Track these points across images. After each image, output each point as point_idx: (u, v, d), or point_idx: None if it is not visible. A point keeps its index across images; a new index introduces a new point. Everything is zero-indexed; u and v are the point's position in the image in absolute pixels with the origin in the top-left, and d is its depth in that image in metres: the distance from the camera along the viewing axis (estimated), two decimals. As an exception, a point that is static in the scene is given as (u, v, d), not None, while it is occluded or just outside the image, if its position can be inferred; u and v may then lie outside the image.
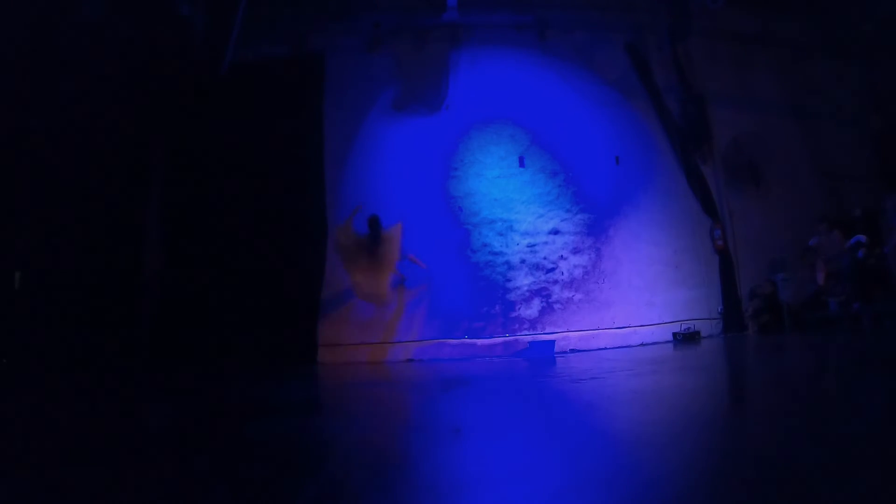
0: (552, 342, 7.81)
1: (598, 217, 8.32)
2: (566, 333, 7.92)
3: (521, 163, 8.37)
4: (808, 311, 7.61)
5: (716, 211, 8.42)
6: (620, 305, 8.12)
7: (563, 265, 8.15)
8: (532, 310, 8.00)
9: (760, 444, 2.01)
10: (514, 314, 7.96)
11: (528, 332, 7.90)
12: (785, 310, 7.73)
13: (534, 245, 8.16)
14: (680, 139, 8.54)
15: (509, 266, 8.09)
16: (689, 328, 7.91)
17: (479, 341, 7.77)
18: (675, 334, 7.89)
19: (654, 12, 8.67)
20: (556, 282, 8.09)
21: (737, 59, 8.85)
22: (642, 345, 7.79)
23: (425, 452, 2.33)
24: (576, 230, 8.25)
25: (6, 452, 2.48)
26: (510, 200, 8.27)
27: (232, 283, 7.49)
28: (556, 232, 8.22)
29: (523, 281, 8.04)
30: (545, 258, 8.15)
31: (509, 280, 8.04)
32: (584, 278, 8.13)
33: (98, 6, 6.28)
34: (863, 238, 7.10)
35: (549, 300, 8.04)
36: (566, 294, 8.07)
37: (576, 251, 8.20)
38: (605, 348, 7.77)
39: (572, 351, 7.75)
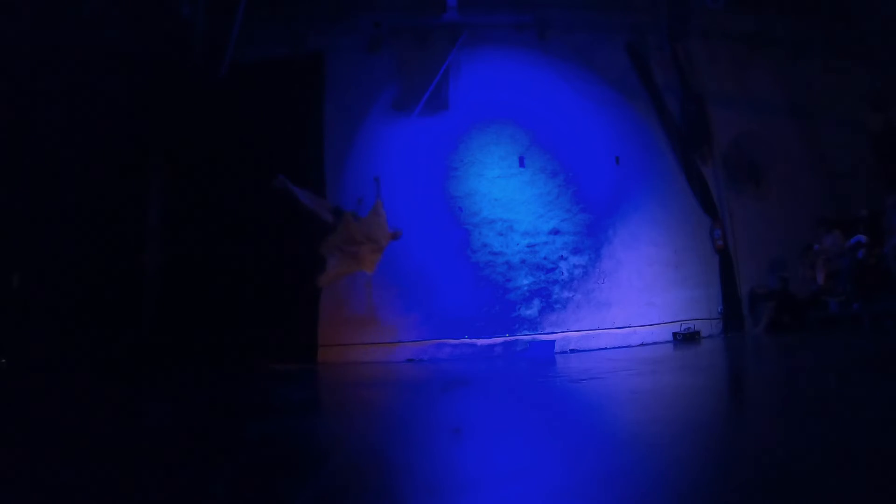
0: (552, 342, 7.81)
1: (598, 217, 8.32)
2: (566, 333, 7.91)
3: (521, 163, 8.37)
4: (809, 311, 7.62)
5: (716, 211, 8.41)
6: (620, 305, 8.11)
7: (563, 265, 8.14)
8: (532, 310, 8.00)
9: (760, 444, 2.01)
10: (514, 314, 7.95)
11: (528, 332, 7.90)
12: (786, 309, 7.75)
13: (534, 245, 8.16)
14: (680, 139, 8.53)
15: (509, 266, 8.08)
16: (689, 328, 7.91)
17: (479, 341, 7.77)
18: (675, 334, 7.89)
19: (654, 12, 8.65)
20: (556, 282, 8.09)
21: (736, 59, 8.85)
22: (642, 345, 7.79)
23: (425, 452, 2.33)
24: (576, 230, 8.25)
25: (6, 453, 2.48)
26: (510, 200, 8.26)
27: (232, 283, 7.49)
28: (556, 232, 8.22)
29: (523, 281, 8.04)
30: (545, 258, 8.15)
31: (509, 280, 8.04)
32: (584, 278, 8.12)
33: (98, 6, 6.28)
34: (863, 238, 7.10)
35: (549, 300, 8.03)
36: (566, 294, 8.07)
37: (576, 251, 8.20)
38: (605, 348, 7.77)
39: (572, 351, 7.75)
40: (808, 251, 7.77)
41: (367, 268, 6.80)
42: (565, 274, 8.13)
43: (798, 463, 1.72)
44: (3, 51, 6.04)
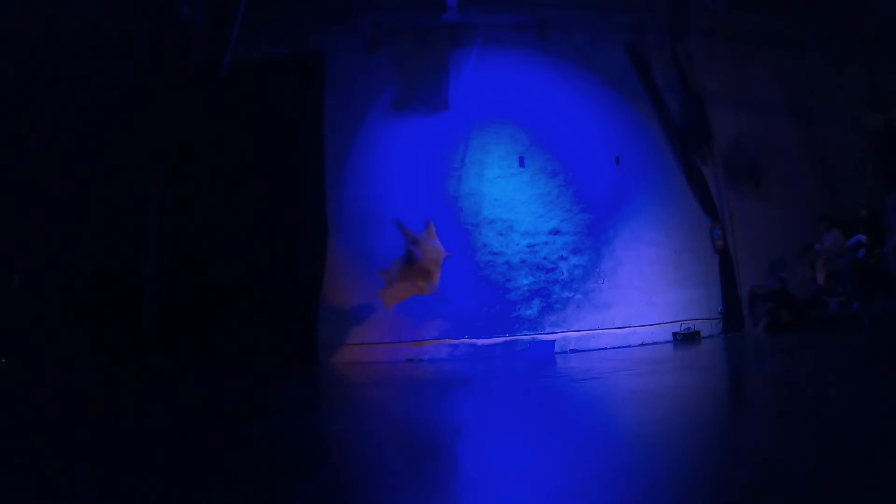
0: (552, 342, 7.81)
1: (598, 217, 8.32)
2: (566, 333, 7.91)
3: (522, 163, 8.37)
4: (809, 311, 7.62)
5: (716, 211, 8.41)
6: (620, 305, 8.12)
7: (563, 265, 8.14)
8: (532, 310, 8.00)
9: (760, 444, 2.01)
10: (514, 314, 7.95)
11: (528, 332, 7.90)
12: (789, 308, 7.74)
13: (534, 245, 8.16)
14: (680, 139, 8.53)
15: (509, 266, 8.08)
16: (689, 328, 7.91)
17: (480, 341, 7.77)
18: (675, 334, 7.89)
19: (654, 12, 8.66)
20: (556, 282, 8.09)
21: (737, 59, 8.85)
22: (642, 345, 7.79)
23: (424, 453, 2.34)
24: (576, 230, 8.25)
25: (6, 452, 2.48)
26: (510, 200, 8.26)
27: (232, 283, 7.48)
28: (556, 232, 8.22)
29: (523, 281, 8.04)
30: (545, 258, 8.15)
31: (509, 280, 8.04)
32: (584, 278, 8.12)
33: (98, 6, 6.28)
34: (863, 238, 7.10)
35: (549, 300, 8.03)
36: (566, 294, 8.07)
37: (576, 251, 8.20)
38: (605, 348, 7.77)
39: (572, 351, 7.75)
40: (808, 251, 7.77)
41: (428, 291, 6.99)
42: (565, 274, 8.13)
43: (798, 463, 1.72)
44: (3, 51, 6.04)
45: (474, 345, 7.74)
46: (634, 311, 8.10)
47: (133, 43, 6.85)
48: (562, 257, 8.16)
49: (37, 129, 6.58)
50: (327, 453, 2.42)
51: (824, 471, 1.62)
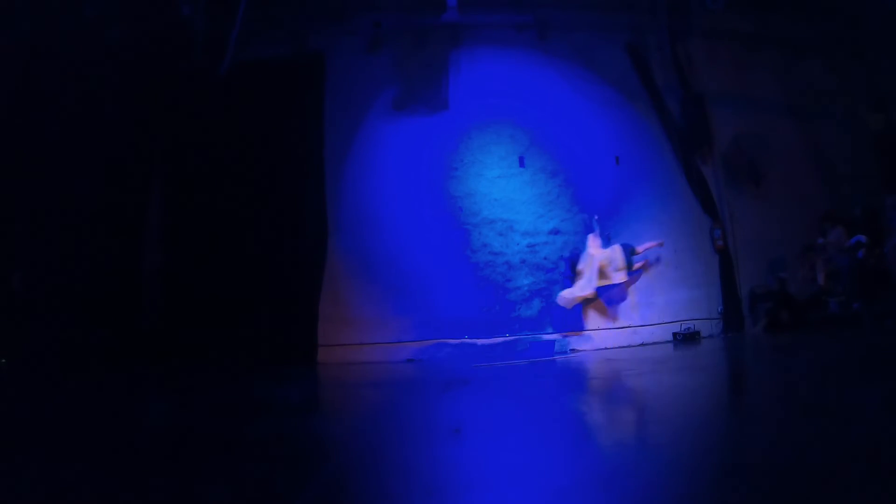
0: (552, 342, 7.81)
1: (598, 217, 8.31)
2: (566, 334, 7.91)
3: (522, 163, 8.37)
4: (809, 311, 7.62)
5: (716, 211, 8.40)
6: (620, 305, 8.11)
7: (563, 265, 8.14)
8: (532, 310, 8.00)
9: (760, 444, 2.01)
10: (514, 314, 7.96)
11: (528, 333, 7.90)
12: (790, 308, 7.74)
13: (534, 245, 8.16)
14: (680, 139, 8.53)
15: (509, 266, 8.09)
16: (689, 328, 7.91)
17: (480, 341, 7.77)
18: (675, 334, 7.89)
19: (654, 12, 8.65)
20: (556, 282, 8.09)
21: (737, 59, 8.83)
22: (642, 345, 7.79)
23: (424, 452, 2.34)
24: (576, 230, 8.25)
25: (7, 452, 2.48)
26: (510, 200, 8.26)
27: (232, 282, 7.48)
28: (556, 232, 8.22)
29: (523, 281, 8.04)
30: (545, 258, 8.16)
31: (509, 280, 8.04)
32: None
33: (99, 6, 6.28)
34: (863, 238, 7.10)
35: (550, 300, 8.03)
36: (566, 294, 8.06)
37: (576, 251, 8.19)
38: (605, 348, 7.77)
39: (572, 351, 7.76)
40: (808, 251, 7.76)
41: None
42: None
43: (797, 463, 1.72)
44: (3, 51, 6.04)
45: (474, 345, 7.74)
46: (634, 310, 8.10)
47: (133, 43, 6.85)
48: (562, 257, 8.16)
49: (36, 129, 6.57)
50: (327, 454, 2.42)
51: (824, 471, 1.62)
